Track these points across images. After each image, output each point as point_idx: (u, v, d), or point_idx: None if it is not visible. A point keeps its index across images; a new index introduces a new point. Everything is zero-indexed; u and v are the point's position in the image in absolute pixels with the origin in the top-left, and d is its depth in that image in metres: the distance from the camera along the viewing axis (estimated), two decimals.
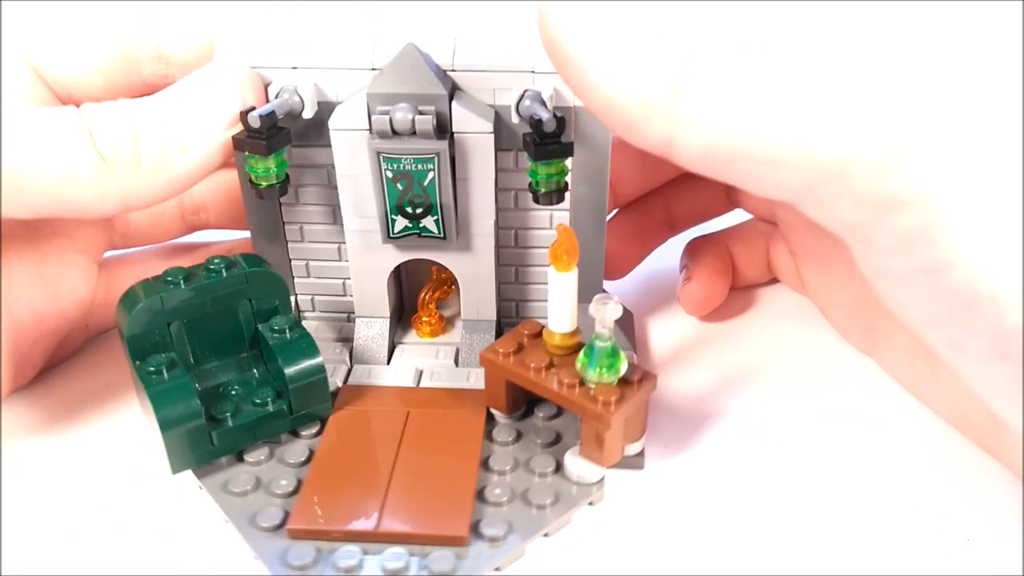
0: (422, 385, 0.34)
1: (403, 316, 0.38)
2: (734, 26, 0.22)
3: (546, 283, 0.36)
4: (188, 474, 0.30)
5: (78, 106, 0.30)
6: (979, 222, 0.21)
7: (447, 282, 0.37)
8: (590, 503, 0.30)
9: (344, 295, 0.37)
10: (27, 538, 0.29)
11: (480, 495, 0.29)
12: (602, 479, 0.30)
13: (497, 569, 0.27)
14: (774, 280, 0.43)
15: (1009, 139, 0.21)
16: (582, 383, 0.30)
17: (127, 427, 0.34)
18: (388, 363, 0.36)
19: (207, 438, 0.30)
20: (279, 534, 0.28)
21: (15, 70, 0.32)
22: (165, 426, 0.28)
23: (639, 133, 0.23)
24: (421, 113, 0.30)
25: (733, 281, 0.41)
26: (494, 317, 0.36)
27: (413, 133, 0.30)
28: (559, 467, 0.31)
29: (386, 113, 0.30)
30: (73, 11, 0.34)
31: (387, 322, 0.36)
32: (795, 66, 0.21)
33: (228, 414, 0.30)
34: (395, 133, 0.30)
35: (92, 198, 0.29)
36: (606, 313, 0.29)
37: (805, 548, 0.28)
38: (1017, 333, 0.22)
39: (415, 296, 0.38)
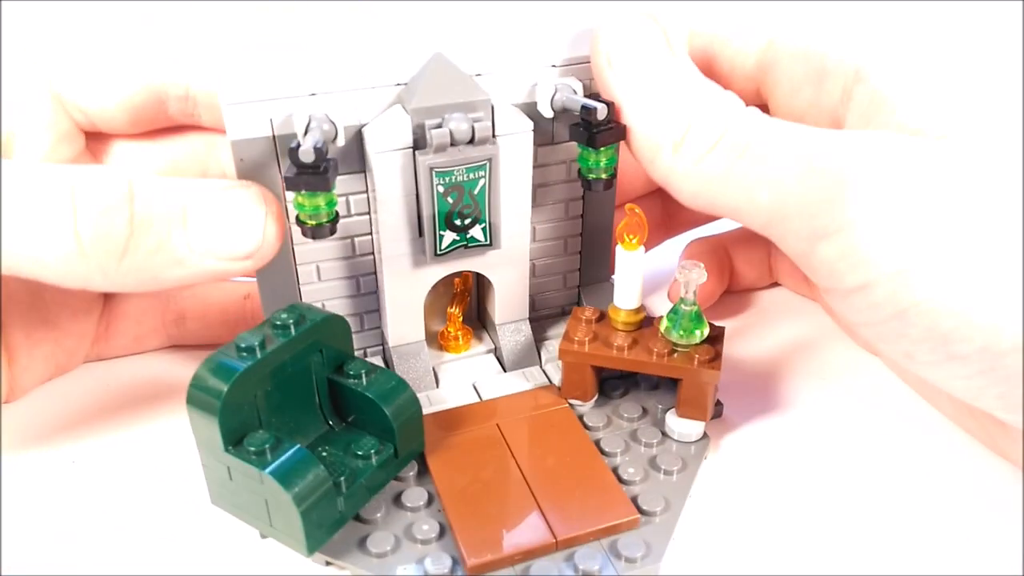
0: (485, 398, 0.34)
1: None
2: (715, 114, 0.29)
3: (562, 274, 0.37)
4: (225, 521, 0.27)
5: (97, 143, 0.29)
6: (889, 245, 0.26)
7: (467, 293, 0.36)
8: (705, 457, 0.32)
9: (362, 330, 0.35)
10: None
11: (617, 477, 0.30)
12: (704, 434, 0.32)
13: (673, 538, 0.28)
14: (773, 285, 0.43)
15: (913, 172, 0.26)
16: (673, 349, 0.31)
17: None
18: (437, 386, 0.34)
19: (336, 507, 0.27)
20: None
21: (39, 99, 0.31)
22: (301, 503, 0.25)
23: (648, 168, 0.30)
24: (475, 120, 0.29)
25: (732, 283, 0.42)
26: (527, 315, 0.36)
27: (470, 142, 0.29)
28: (662, 434, 0.32)
29: (439, 126, 0.29)
30: (103, 45, 0.30)
31: (424, 345, 0.35)
32: (748, 153, 0.28)
33: (342, 477, 0.28)
34: (452, 144, 0.29)
35: (56, 276, 0.27)
36: (691, 278, 0.30)
37: (805, 547, 0.29)
38: (953, 335, 0.25)
39: (432, 314, 0.37)
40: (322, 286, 0.33)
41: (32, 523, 0.30)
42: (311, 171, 0.27)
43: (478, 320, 0.38)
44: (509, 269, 0.34)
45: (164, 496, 0.31)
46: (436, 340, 0.36)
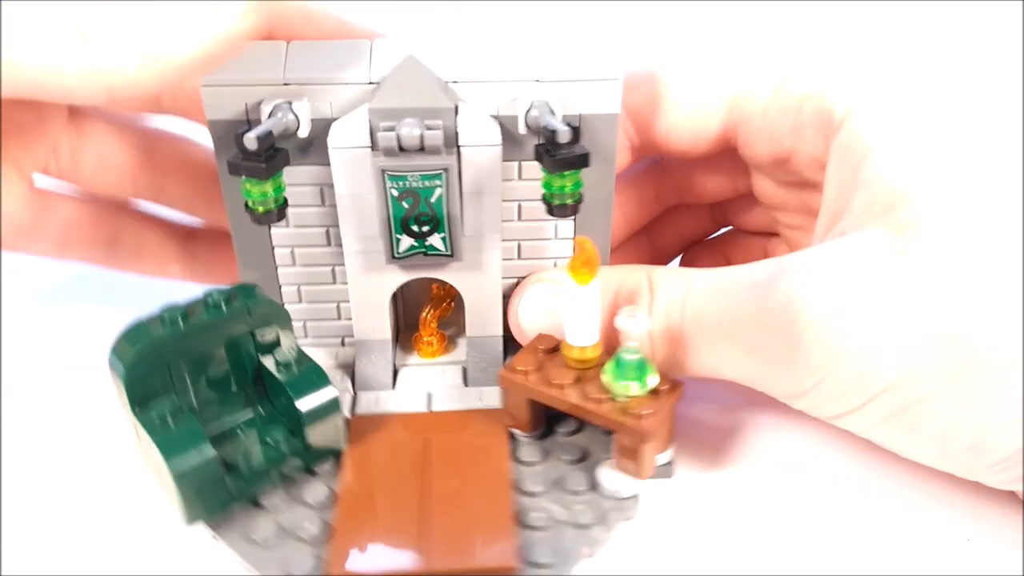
0: (434, 409, 0.33)
1: (399, 336, 0.37)
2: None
3: None
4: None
5: None
6: (860, 385, 0.26)
7: (447, 299, 0.36)
8: (628, 518, 0.29)
9: (338, 319, 0.35)
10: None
11: (520, 520, 0.28)
12: (637, 492, 0.30)
13: None
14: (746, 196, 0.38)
15: (856, 302, 0.26)
16: (611, 397, 0.29)
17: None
18: (394, 387, 0.34)
19: (223, 485, 0.28)
20: None
21: None
22: (179, 477, 0.26)
23: None
24: (429, 128, 0.28)
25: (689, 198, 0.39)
26: (500, 333, 0.35)
27: (421, 149, 0.29)
28: (592, 484, 0.30)
29: (391, 129, 0.28)
30: None
31: (389, 345, 0.34)
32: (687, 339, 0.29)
33: (240, 458, 0.28)
34: (402, 150, 0.29)
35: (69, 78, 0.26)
36: (633, 326, 0.28)
37: (806, 546, 0.28)
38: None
39: (412, 315, 0.37)
40: (298, 270, 0.34)
41: (32, 523, 0.30)
42: (253, 158, 0.28)
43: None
44: (478, 283, 0.33)
45: (164, 496, 0.30)
46: (412, 342, 0.36)
